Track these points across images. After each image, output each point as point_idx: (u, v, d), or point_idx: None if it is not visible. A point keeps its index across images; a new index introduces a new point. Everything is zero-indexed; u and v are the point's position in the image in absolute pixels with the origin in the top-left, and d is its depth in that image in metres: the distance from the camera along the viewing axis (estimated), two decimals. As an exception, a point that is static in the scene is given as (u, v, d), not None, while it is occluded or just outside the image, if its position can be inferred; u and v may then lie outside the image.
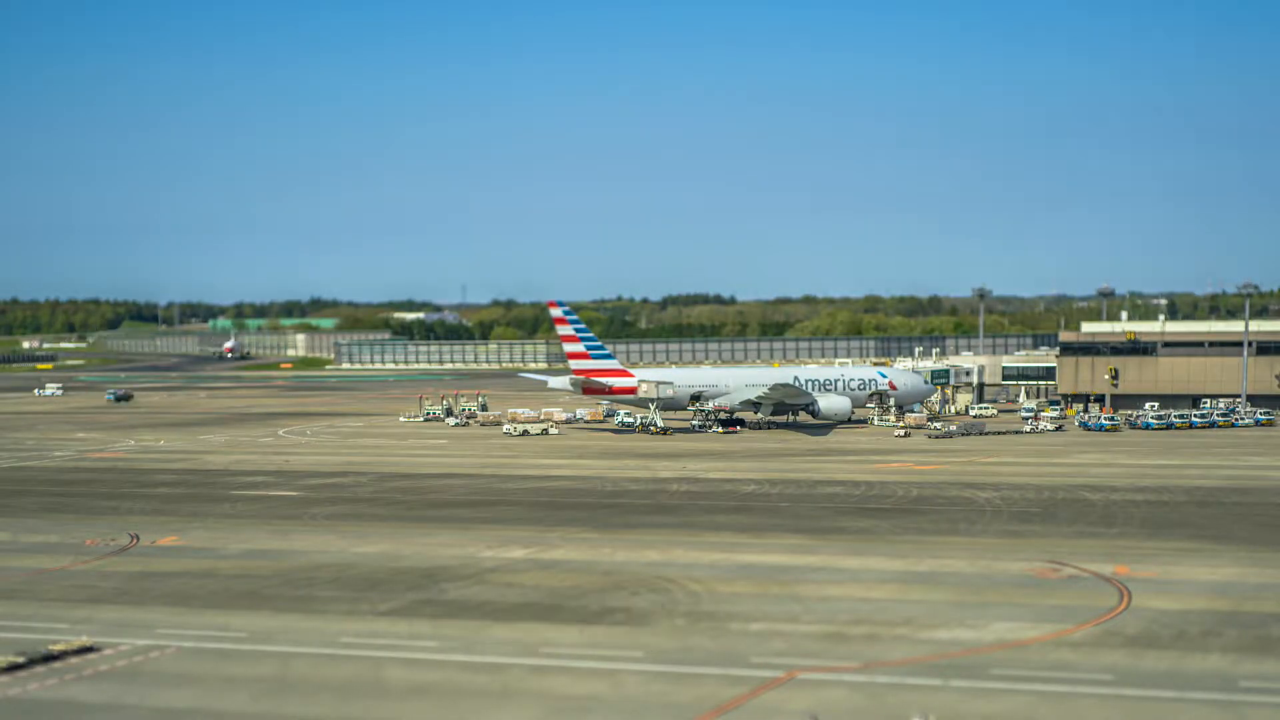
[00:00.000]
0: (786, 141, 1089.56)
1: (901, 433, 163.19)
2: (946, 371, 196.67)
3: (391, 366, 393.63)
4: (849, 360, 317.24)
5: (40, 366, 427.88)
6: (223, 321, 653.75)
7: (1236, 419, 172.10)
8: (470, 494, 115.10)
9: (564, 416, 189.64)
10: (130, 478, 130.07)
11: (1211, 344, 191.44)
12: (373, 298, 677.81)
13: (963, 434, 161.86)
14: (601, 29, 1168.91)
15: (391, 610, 69.74)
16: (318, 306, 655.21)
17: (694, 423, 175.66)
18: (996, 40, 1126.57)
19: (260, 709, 53.54)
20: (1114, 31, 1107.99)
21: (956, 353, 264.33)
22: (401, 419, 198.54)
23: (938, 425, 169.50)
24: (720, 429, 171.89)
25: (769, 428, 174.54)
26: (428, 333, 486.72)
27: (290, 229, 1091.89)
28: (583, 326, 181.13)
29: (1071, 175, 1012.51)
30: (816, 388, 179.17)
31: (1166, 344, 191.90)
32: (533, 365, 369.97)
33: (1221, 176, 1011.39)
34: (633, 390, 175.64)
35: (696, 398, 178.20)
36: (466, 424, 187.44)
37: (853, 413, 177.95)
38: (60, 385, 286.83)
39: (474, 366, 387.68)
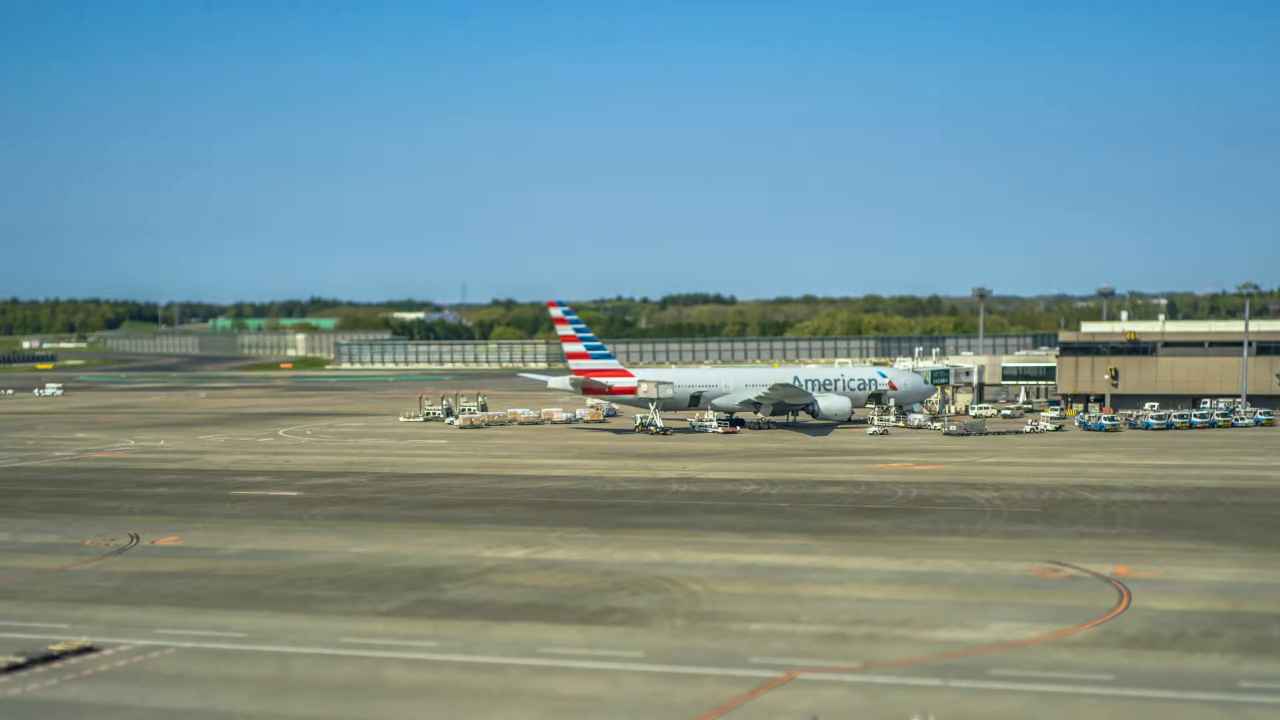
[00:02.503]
0: (787, 142, 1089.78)
1: (879, 430, 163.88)
2: (946, 371, 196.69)
3: (391, 366, 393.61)
4: (849, 360, 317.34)
5: (40, 366, 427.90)
6: (223, 321, 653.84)
7: (1236, 419, 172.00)
8: (470, 494, 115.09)
9: (564, 416, 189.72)
10: (130, 478, 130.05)
11: (1211, 344, 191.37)
12: (373, 298, 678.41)
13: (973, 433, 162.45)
14: (602, 29, 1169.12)
15: (391, 610, 69.72)
16: (318, 306, 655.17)
17: (691, 421, 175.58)
18: (997, 40, 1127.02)
19: (260, 709, 53.53)
20: (1114, 31, 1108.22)
21: (956, 353, 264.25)
22: (401, 419, 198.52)
23: (937, 424, 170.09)
24: (720, 429, 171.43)
25: (769, 428, 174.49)
26: (428, 333, 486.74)
27: (290, 229, 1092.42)
28: (583, 326, 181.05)
29: (1071, 175, 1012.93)
30: (816, 388, 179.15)
31: (1166, 344, 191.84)
32: (533, 365, 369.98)
33: (1221, 176, 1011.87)
34: (632, 390, 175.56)
35: (696, 398, 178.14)
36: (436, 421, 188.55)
37: (853, 413, 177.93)
38: (60, 385, 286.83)
39: (474, 366, 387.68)
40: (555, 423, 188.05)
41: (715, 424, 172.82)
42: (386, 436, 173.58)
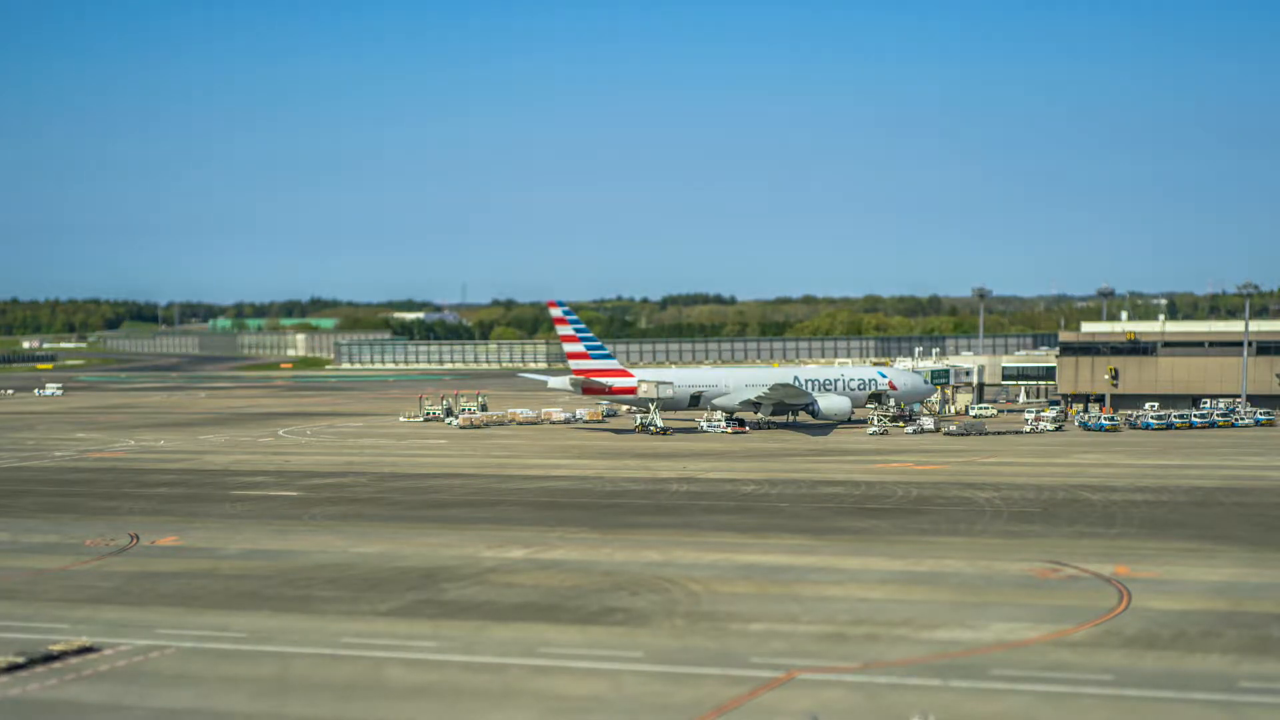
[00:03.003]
0: (787, 142, 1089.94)
1: (879, 430, 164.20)
2: (946, 371, 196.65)
3: (391, 366, 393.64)
4: (849, 360, 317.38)
5: (40, 366, 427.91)
6: (223, 321, 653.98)
7: (1236, 419, 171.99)
8: (470, 494, 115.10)
9: (563, 416, 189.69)
10: (130, 478, 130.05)
11: (1211, 344, 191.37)
12: (373, 298, 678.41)
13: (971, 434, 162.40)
14: (602, 29, 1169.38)
15: (391, 610, 69.74)
16: (318, 306, 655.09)
17: (700, 423, 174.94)
18: (997, 40, 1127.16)
19: (260, 709, 53.54)
20: (1114, 31, 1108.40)
21: (956, 353, 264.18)
22: (401, 419, 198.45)
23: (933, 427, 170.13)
24: (730, 429, 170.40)
25: (769, 428, 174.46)
26: (428, 333, 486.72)
27: (290, 229, 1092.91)
28: (583, 326, 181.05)
29: (1071, 175, 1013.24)
30: (816, 388, 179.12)
31: (1166, 344, 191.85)
32: (533, 365, 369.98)
33: (1221, 176, 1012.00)
34: (633, 390, 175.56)
35: (696, 398, 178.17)
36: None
37: (853, 413, 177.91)
38: (60, 385, 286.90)
39: (474, 366, 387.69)
40: (554, 423, 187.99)
41: (724, 424, 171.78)
42: (386, 436, 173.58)
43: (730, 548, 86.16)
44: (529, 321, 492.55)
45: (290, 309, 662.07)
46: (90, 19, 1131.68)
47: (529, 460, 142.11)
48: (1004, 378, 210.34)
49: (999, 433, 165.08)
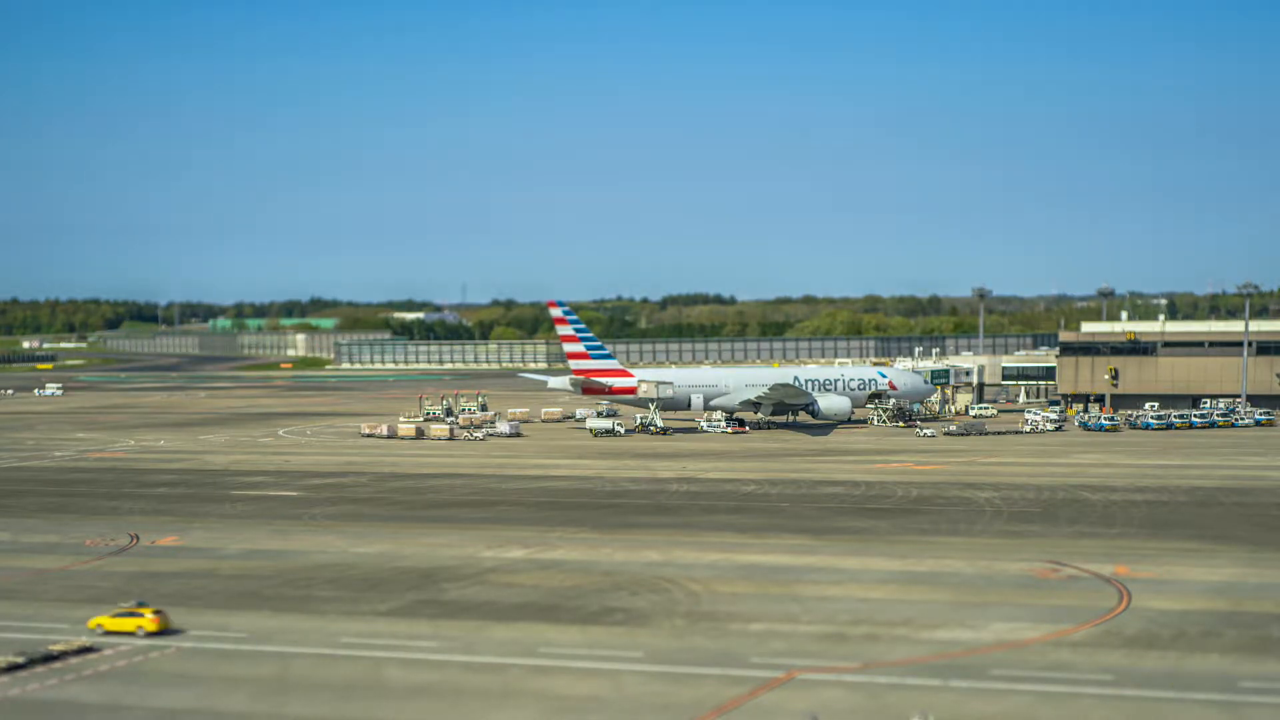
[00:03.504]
0: (787, 142, 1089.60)
1: (930, 433, 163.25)
2: (946, 371, 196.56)
3: (391, 366, 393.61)
4: (849, 360, 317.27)
5: (40, 366, 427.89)
6: (223, 321, 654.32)
7: (1236, 419, 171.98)
8: (470, 494, 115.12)
9: (482, 435, 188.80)
10: (130, 478, 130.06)
11: (1211, 344, 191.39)
12: (373, 298, 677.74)
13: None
14: (602, 29, 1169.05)
15: (391, 610, 69.79)
16: (318, 306, 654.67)
17: (700, 423, 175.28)
18: (997, 40, 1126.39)
19: (260, 709, 53.57)
20: (1114, 32, 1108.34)
21: (956, 353, 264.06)
22: (401, 419, 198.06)
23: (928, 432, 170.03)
24: (729, 429, 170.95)
25: (769, 428, 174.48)
26: (428, 333, 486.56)
27: (290, 229, 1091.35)
28: (583, 326, 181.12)
29: (1071, 175, 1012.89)
30: (816, 388, 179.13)
31: (1166, 344, 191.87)
32: (533, 365, 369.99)
33: (1221, 176, 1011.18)
34: (633, 390, 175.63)
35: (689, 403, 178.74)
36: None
37: (853, 413, 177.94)
38: (60, 385, 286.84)
39: (474, 366, 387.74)
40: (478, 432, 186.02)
41: (724, 424, 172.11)
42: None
43: (730, 548, 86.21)
44: (529, 321, 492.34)
45: (290, 309, 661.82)
46: (90, 19, 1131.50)
47: (529, 460, 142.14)
48: (1004, 378, 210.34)
49: (999, 433, 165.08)
